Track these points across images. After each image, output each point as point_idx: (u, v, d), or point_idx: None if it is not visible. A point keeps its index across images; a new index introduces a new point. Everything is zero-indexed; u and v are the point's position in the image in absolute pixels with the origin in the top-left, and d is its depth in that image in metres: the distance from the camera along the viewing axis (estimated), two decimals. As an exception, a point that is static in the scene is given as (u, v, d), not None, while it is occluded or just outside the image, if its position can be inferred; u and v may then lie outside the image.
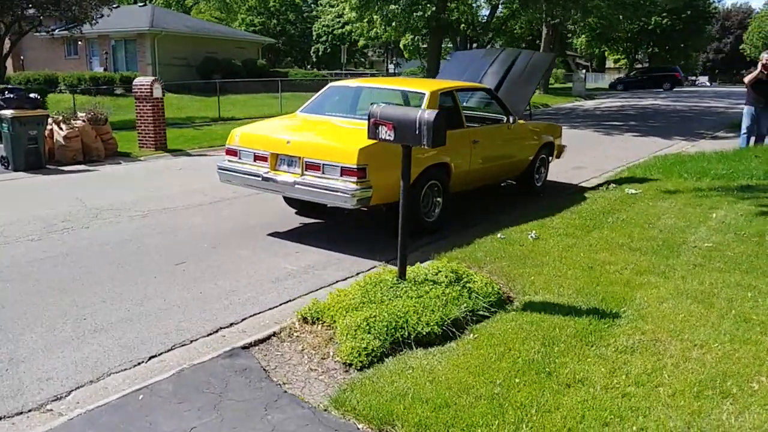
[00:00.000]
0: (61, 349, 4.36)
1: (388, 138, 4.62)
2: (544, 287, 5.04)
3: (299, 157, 6.54)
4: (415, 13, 23.51)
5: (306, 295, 5.43)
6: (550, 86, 57.55)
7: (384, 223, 7.43)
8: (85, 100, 19.05)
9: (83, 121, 12.98)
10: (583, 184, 10.46)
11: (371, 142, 6.17)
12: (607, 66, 73.08)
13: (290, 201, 7.98)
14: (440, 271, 5.05)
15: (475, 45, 40.46)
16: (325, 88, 8.22)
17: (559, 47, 44.62)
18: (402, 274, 4.92)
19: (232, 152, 7.08)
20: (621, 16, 34.81)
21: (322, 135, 7.03)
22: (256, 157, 6.86)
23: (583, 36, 51.71)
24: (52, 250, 6.46)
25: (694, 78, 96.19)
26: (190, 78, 30.45)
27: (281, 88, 31.82)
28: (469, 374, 3.64)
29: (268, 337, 4.48)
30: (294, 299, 5.34)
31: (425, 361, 3.87)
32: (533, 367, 3.68)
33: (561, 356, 3.81)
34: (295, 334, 4.51)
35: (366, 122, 7.02)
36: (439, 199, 7.27)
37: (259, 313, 5.07)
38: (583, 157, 12.66)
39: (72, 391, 3.85)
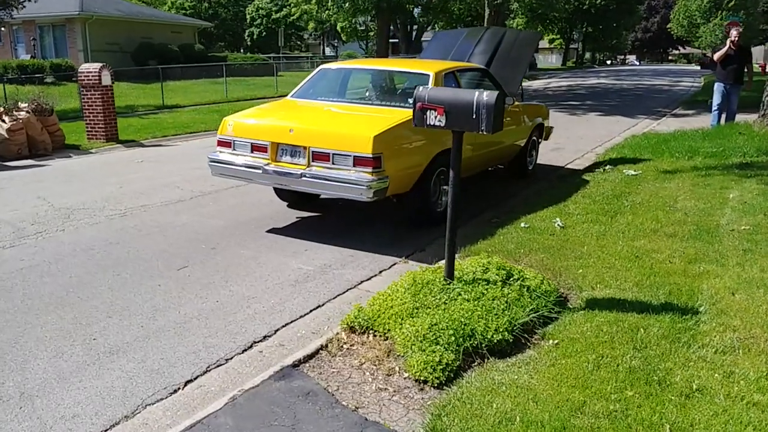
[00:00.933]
0: (78, 377, 3.76)
1: (437, 124, 4.15)
2: (598, 281, 4.70)
3: (305, 147, 5.99)
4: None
5: (334, 299, 4.95)
6: (489, 68, 58.09)
7: (386, 214, 6.99)
8: (14, 90, 17.67)
9: (27, 112, 11.92)
10: (571, 166, 10.25)
11: (384, 128, 5.73)
12: (540, 46, 73.96)
13: (282, 194, 7.41)
14: (488, 269, 4.63)
15: (416, 27, 40.12)
16: (315, 71, 7.65)
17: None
18: (450, 274, 4.48)
19: (224, 143, 6.45)
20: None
21: (328, 122, 6.48)
22: (254, 148, 6.26)
23: (521, 17, 51.99)
24: (31, 258, 5.73)
25: (623, 57, 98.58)
26: (125, 65, 28.95)
27: (220, 74, 30.80)
28: (573, 389, 3.25)
29: (316, 352, 3.98)
30: (323, 304, 4.85)
31: (513, 375, 3.46)
32: (639, 376, 3.32)
33: (662, 361, 3.46)
34: (345, 346, 4.03)
35: (371, 106, 6.69)
36: (445, 187, 6.83)
37: (291, 322, 4.55)
38: (558, 138, 12.45)
39: (107, 431, 3.25)
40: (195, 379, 3.79)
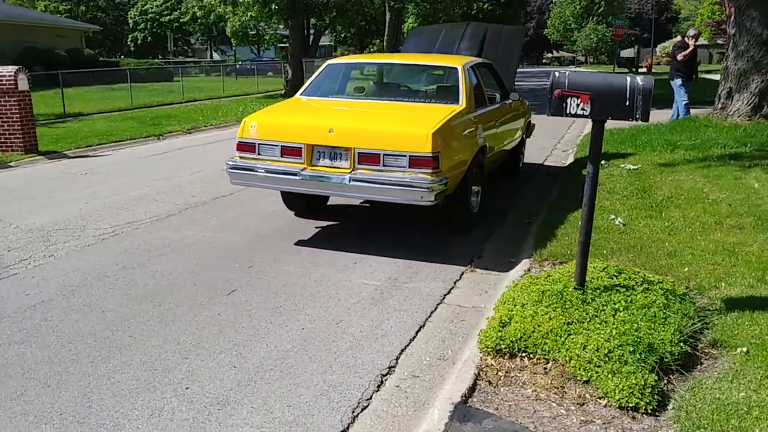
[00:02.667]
0: (201, 441, 2.95)
1: (581, 112, 3.68)
2: (715, 280, 4.43)
3: (348, 148, 5.33)
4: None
5: (430, 318, 4.39)
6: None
7: (401, 218, 6.49)
8: None
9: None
10: (550, 164, 10.11)
11: (438, 124, 5.23)
12: (430, 51, 75.27)
13: (291, 202, 6.67)
14: (615, 274, 4.21)
15: (312, 31, 39.36)
16: (324, 66, 6.94)
17: (397, 32, 44.88)
18: (582, 282, 4.01)
19: (247, 147, 5.66)
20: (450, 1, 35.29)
21: (371, 119, 5.84)
22: (285, 151, 5.52)
23: (410, 20, 52.45)
24: (37, 291, 4.75)
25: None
26: (9, 70, 26.27)
27: (114, 80, 28.89)
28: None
29: (474, 383, 3.38)
30: (423, 325, 4.25)
31: (735, 392, 3.05)
32: None
33: None
34: (501, 374, 3.45)
35: (402, 103, 6.05)
36: (477, 187, 6.37)
37: (405, 348, 3.93)
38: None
39: None
40: (347, 429, 3.09)
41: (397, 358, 3.78)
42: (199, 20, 26.96)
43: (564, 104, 3.72)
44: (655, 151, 9.40)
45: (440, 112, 5.71)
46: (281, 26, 52.63)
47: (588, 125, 13.55)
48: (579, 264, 4.01)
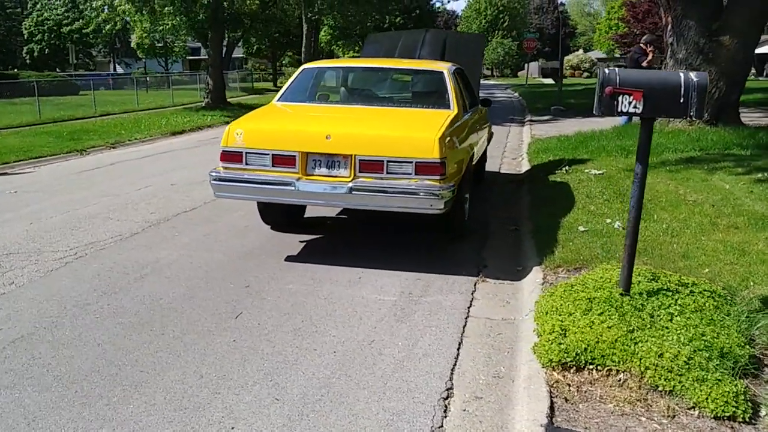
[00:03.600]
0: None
1: (633, 110, 3.54)
2: (741, 280, 4.40)
3: (348, 155, 5.01)
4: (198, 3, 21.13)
5: (463, 333, 4.13)
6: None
7: (380, 227, 6.45)
8: None
9: None
10: (506, 171, 10.11)
11: (441, 129, 5.03)
12: (341, 64, 75.15)
13: (269, 215, 6.24)
14: (654, 278, 4.08)
15: (225, 43, 38.37)
16: (299, 72, 6.57)
17: (316, 44, 44.60)
18: (628, 287, 3.86)
19: (232, 156, 5.22)
20: (364, 13, 35.31)
21: (370, 125, 5.51)
22: (277, 160, 5.13)
23: (325, 33, 52.38)
24: (12, 324, 4.16)
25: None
26: None
27: (13, 93, 27.18)
28: None
29: (551, 402, 3.14)
30: (461, 342, 3.98)
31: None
32: None
33: None
34: (573, 389, 3.23)
35: (392, 108, 5.70)
36: (467, 194, 6.19)
37: (454, 367, 3.66)
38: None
39: None
40: (431, 461, 2.76)
41: (451, 379, 3.49)
42: (104, 31, 25.39)
43: (615, 102, 3.55)
44: (610, 156, 9.53)
45: (437, 118, 5.47)
46: (191, 39, 51.24)
47: (527, 137, 13.71)
48: (625, 269, 3.85)
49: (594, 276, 4.28)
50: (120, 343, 3.84)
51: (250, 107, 24.48)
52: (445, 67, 6.33)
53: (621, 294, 3.84)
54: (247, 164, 5.19)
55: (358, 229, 6.59)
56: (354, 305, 4.48)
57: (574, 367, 3.37)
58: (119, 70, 64.64)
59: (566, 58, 64.78)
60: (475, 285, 4.94)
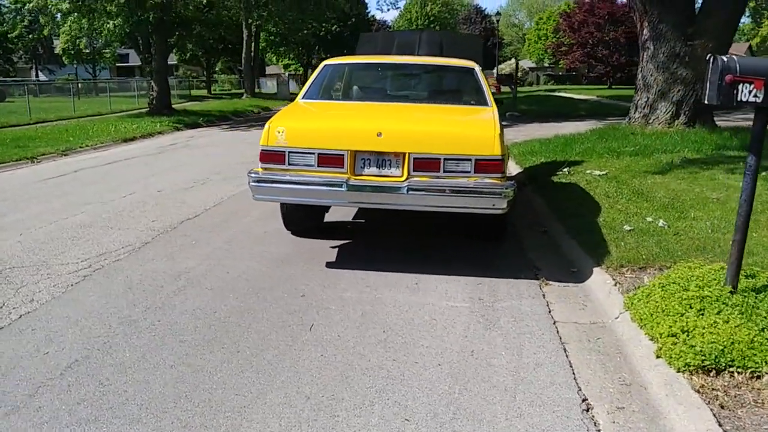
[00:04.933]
0: None
1: (753, 100, 3.39)
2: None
3: (401, 153, 4.70)
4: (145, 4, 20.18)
5: (562, 339, 3.84)
6: (227, 91, 56.50)
7: (412, 228, 6.23)
8: None
9: None
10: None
11: (497, 125, 4.80)
12: (274, 72, 74.10)
13: (294, 220, 5.85)
14: (753, 276, 3.96)
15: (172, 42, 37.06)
16: (320, 68, 6.20)
17: (255, 51, 43.78)
18: (736, 284, 3.71)
19: (274, 156, 4.82)
20: (302, 20, 34.85)
21: (422, 121, 5.20)
22: (323, 160, 4.76)
23: (262, 40, 51.53)
24: (56, 348, 3.65)
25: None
26: None
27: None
28: None
29: (710, 409, 2.92)
30: (565, 349, 3.72)
31: None
32: None
33: None
34: (720, 394, 3.02)
35: (433, 105, 5.37)
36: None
37: (575, 377, 3.40)
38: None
39: None
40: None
41: (580, 389, 3.21)
42: (36, 34, 23.99)
43: (735, 91, 3.38)
44: (602, 157, 9.53)
45: (484, 114, 5.23)
46: (121, 45, 49.35)
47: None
48: (733, 265, 3.70)
49: (684, 274, 4.11)
50: (196, 364, 3.39)
51: (197, 113, 23.70)
52: (473, 64, 6.09)
53: (730, 292, 3.66)
54: (290, 164, 4.79)
55: (384, 233, 6.24)
56: (429, 313, 4.15)
57: (714, 371, 3.17)
58: (41, 77, 61.70)
59: (500, 67, 66.09)
60: (540, 288, 4.68)
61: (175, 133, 18.31)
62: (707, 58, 3.53)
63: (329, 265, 5.13)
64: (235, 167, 10.39)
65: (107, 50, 48.59)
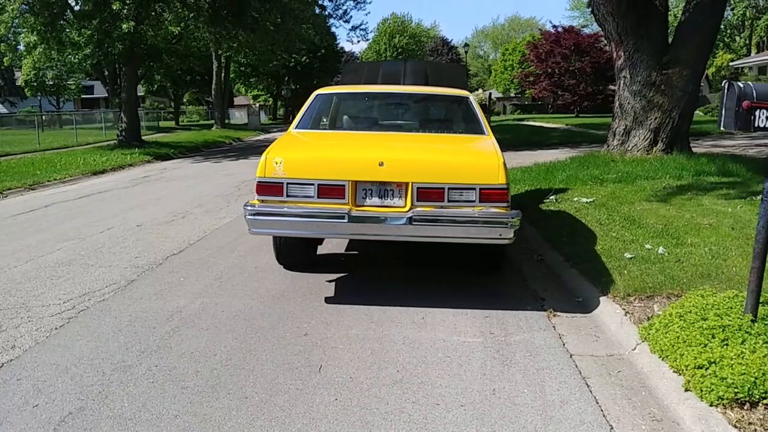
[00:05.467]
0: None
1: (770, 126, 3.32)
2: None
3: (403, 183, 4.57)
4: (113, 35, 19.88)
5: (582, 374, 3.69)
6: (196, 122, 56.11)
7: (410, 261, 6.07)
8: None
9: None
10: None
11: (499, 153, 4.70)
12: (243, 103, 73.87)
13: (285, 254, 5.66)
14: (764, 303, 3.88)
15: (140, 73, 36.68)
16: (312, 98, 6.05)
17: (226, 82, 43.60)
18: (756, 313, 3.62)
19: (271, 188, 4.64)
20: (271, 51, 34.74)
21: (423, 150, 5.08)
22: (324, 191, 4.60)
23: (233, 72, 51.46)
24: (45, 400, 3.39)
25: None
26: None
27: None
28: None
29: (751, 446, 2.79)
30: (590, 385, 3.59)
31: None
32: None
33: None
34: (758, 428, 2.91)
35: (430, 134, 5.24)
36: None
37: (603, 414, 3.23)
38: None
39: None
40: None
41: (612, 428, 3.06)
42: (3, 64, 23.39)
43: (752, 117, 3.33)
44: (586, 185, 9.53)
45: (483, 142, 5.14)
46: (85, 77, 48.73)
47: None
48: (753, 293, 3.62)
49: (698, 302, 4.01)
50: (202, 413, 3.16)
51: (168, 145, 23.34)
52: (467, 93, 6.02)
53: (752, 320, 3.57)
54: (288, 196, 4.61)
55: (379, 265, 6.07)
56: (442, 350, 3.99)
57: (747, 403, 3.05)
58: (2, 109, 60.50)
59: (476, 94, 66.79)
60: (549, 320, 4.55)
61: (146, 165, 17.96)
62: (722, 84, 3.48)
63: (328, 300, 4.94)
64: (214, 200, 10.16)
65: (72, 82, 47.85)
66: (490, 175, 4.54)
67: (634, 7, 10.84)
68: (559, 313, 4.69)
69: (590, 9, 11.91)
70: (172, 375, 3.59)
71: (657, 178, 9.62)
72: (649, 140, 11.14)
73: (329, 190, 4.57)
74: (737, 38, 48.87)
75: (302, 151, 5.03)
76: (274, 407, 3.23)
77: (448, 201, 4.54)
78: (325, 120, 5.93)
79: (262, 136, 33.48)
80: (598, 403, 3.31)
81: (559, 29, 38.71)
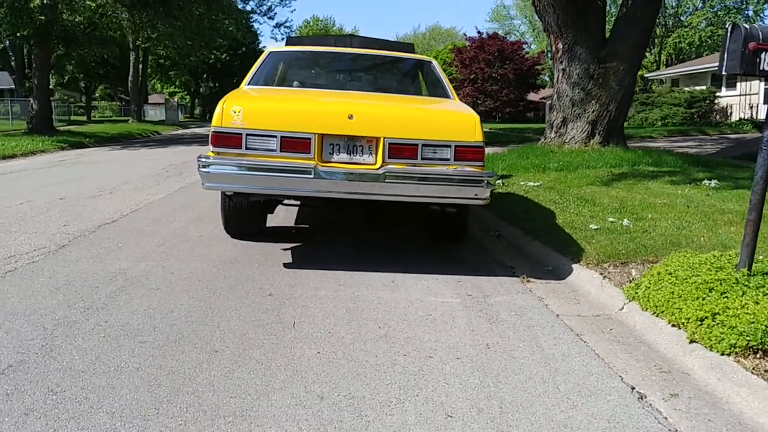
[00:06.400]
0: None
1: (775, 69, 3.24)
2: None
3: (373, 138, 4.28)
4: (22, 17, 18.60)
5: (576, 332, 3.50)
6: (109, 118, 53.80)
7: (362, 230, 5.58)
8: None
9: None
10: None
11: (474, 113, 4.51)
12: (158, 101, 71.45)
13: (234, 221, 5.25)
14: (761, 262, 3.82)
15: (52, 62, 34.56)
16: (265, 55, 5.66)
17: (143, 75, 41.89)
18: (750, 267, 3.54)
19: (228, 139, 4.23)
20: (191, 45, 33.66)
21: (394, 104, 4.78)
22: (287, 144, 4.23)
23: (150, 61, 49.49)
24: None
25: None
26: None
27: None
28: None
29: (772, 389, 2.66)
30: (584, 341, 3.38)
31: None
32: None
33: None
34: (776, 374, 2.78)
35: (391, 95, 4.87)
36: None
37: (607, 365, 3.03)
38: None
39: None
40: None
41: (622, 379, 2.87)
42: None
43: (758, 59, 3.23)
44: (529, 172, 9.51)
45: (454, 103, 4.92)
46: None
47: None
48: (749, 246, 3.52)
49: (684, 262, 3.92)
50: (168, 366, 2.74)
51: (83, 134, 22.06)
52: (426, 57, 5.79)
53: (747, 274, 3.47)
54: (247, 149, 4.21)
55: (335, 236, 5.73)
56: (422, 309, 3.70)
57: (760, 351, 2.91)
58: None
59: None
60: (524, 284, 4.35)
61: (60, 152, 16.82)
62: (726, 27, 3.36)
63: (287, 266, 4.57)
64: (142, 179, 9.51)
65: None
66: (466, 132, 4.30)
67: (574, 1, 10.95)
68: (532, 280, 4.50)
69: (531, 0, 11.96)
70: (126, 330, 3.14)
71: (598, 167, 9.70)
72: (586, 132, 11.27)
73: (293, 144, 4.20)
74: (648, 55, 51.26)
75: (264, 101, 4.64)
76: (250, 360, 2.85)
77: (422, 159, 4.27)
78: (281, 78, 5.54)
79: (181, 131, 32.33)
80: (599, 356, 3.10)
81: (484, 35, 39.37)
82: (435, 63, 5.68)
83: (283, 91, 5.21)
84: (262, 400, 2.48)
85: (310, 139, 4.20)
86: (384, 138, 4.22)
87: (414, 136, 4.25)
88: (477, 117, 4.41)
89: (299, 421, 2.33)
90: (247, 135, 4.19)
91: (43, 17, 17.92)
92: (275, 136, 4.19)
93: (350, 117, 4.24)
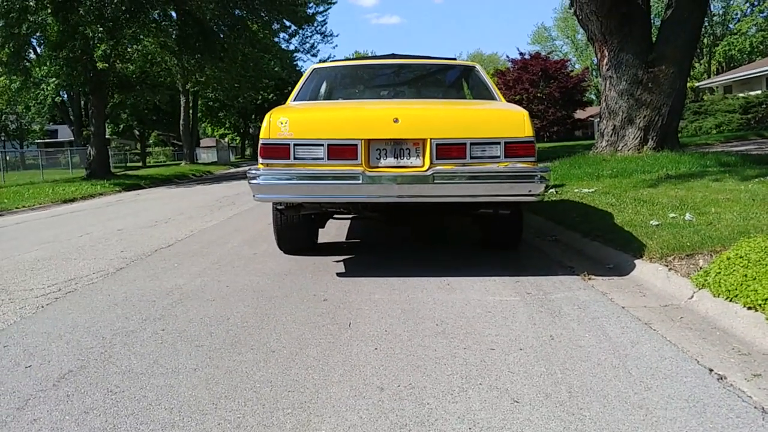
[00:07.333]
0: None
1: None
2: None
3: (420, 140, 4.21)
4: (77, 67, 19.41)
5: (647, 323, 3.32)
6: (163, 163, 55.40)
7: (426, 240, 5.48)
8: None
9: None
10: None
11: (522, 108, 4.39)
12: (210, 144, 73.37)
13: (287, 238, 5.23)
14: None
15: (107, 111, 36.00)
16: (309, 72, 5.70)
17: (194, 118, 43.14)
18: (828, 244, 3.30)
19: (276, 150, 4.24)
20: (238, 87, 34.49)
21: (440, 105, 4.74)
22: (334, 151, 4.21)
23: (200, 104, 50.98)
24: (40, 361, 2.86)
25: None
26: None
27: None
28: None
29: None
30: (654, 329, 3.20)
31: None
32: None
33: None
34: None
35: (442, 100, 4.91)
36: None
37: (681, 350, 2.85)
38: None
39: None
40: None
41: (698, 362, 2.69)
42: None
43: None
44: (582, 180, 9.30)
45: (501, 102, 4.83)
46: (49, 121, 47.77)
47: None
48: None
49: (755, 246, 3.70)
50: (225, 366, 2.71)
51: (139, 177, 22.73)
52: (474, 63, 5.73)
53: (822, 253, 3.25)
54: (295, 159, 4.21)
55: (387, 248, 5.66)
56: (480, 307, 3.59)
57: None
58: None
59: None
60: (585, 281, 4.20)
61: (118, 194, 17.34)
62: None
63: (340, 275, 4.52)
64: (196, 210, 9.69)
65: (36, 122, 46.98)
66: (515, 127, 4.21)
67: (617, 6, 10.79)
68: (594, 277, 4.34)
69: (572, 10, 11.85)
70: (183, 337, 3.13)
71: (653, 171, 9.42)
72: (639, 139, 11.00)
73: (340, 151, 4.19)
74: (696, 65, 50.22)
75: (309, 112, 4.65)
76: (308, 358, 2.79)
77: (471, 158, 4.19)
78: (326, 93, 5.57)
79: (233, 170, 33.03)
80: (671, 342, 2.94)
81: (527, 56, 39.24)
82: (479, 67, 5.63)
83: (328, 103, 5.23)
84: (320, 392, 2.41)
85: (356, 145, 4.17)
86: (431, 139, 4.17)
87: (461, 135, 4.18)
88: (525, 112, 4.32)
89: (359, 410, 2.26)
90: (295, 145, 4.19)
91: (100, 64, 18.66)
92: (322, 145, 4.18)
93: (395, 120, 4.20)
